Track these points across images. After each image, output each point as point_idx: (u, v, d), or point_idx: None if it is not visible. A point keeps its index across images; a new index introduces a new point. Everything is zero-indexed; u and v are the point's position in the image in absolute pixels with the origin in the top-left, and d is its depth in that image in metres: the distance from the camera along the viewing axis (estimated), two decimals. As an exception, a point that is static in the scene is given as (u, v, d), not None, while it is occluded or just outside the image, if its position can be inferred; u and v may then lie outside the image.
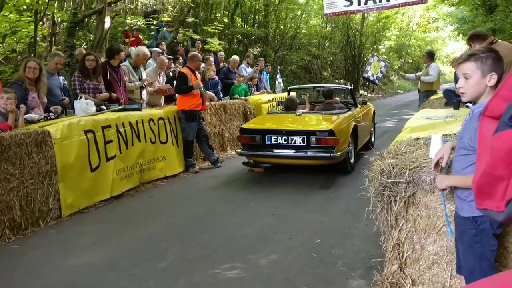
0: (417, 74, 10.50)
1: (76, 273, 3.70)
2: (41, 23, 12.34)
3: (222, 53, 12.64)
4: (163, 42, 12.02)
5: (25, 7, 10.97)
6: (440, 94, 8.15)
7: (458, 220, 2.26)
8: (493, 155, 1.04)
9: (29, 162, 4.67)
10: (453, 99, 5.49)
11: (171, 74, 8.86)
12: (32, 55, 10.46)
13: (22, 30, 11.00)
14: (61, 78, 6.70)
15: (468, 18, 24.40)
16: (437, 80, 9.71)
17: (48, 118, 5.54)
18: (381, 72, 12.36)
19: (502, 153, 1.01)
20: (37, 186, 4.77)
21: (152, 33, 14.14)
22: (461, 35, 27.62)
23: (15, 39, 11.84)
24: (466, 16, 24.72)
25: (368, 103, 9.15)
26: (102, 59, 7.74)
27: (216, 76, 9.88)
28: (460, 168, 2.19)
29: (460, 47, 44.94)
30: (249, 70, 12.11)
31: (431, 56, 10.06)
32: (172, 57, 9.93)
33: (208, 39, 14.24)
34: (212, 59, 10.59)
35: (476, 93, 2.17)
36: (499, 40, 5.07)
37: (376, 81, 12.67)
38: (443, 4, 25.42)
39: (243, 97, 10.18)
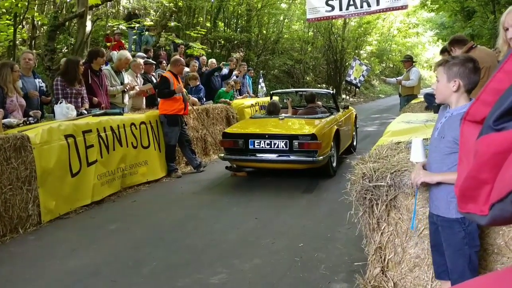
0: (398, 78, 10.62)
1: (56, 280, 3.64)
2: (20, 26, 12.16)
3: (205, 57, 12.64)
4: (147, 47, 12.00)
5: (4, 10, 10.82)
6: (420, 98, 8.26)
7: (444, 224, 2.29)
8: (478, 159, 1.05)
9: (8, 167, 4.58)
10: (433, 103, 5.56)
11: (153, 78, 8.79)
12: (11, 59, 10.29)
13: (1, 33, 10.83)
14: (37, 80, 6.57)
15: (447, 24, 24.88)
16: (418, 85, 9.84)
17: (28, 122, 5.45)
18: (363, 75, 12.49)
19: (487, 156, 1.02)
20: (16, 191, 4.68)
21: (135, 37, 14.06)
22: (440, 40, 28.07)
23: (-7, 42, 11.66)
24: (445, 21, 25.21)
25: (350, 107, 9.22)
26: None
27: (199, 82, 9.87)
28: (447, 168, 2.24)
29: (439, 52, 45.63)
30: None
31: (410, 60, 10.21)
32: (154, 62, 9.85)
33: (191, 44, 14.22)
34: (196, 63, 10.59)
35: (442, 96, 2.35)
36: (478, 46, 5.15)
37: (358, 84, 12.80)
38: (423, 10, 25.80)
39: (227, 100, 10.19)
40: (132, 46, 14.07)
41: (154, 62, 9.41)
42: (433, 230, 2.40)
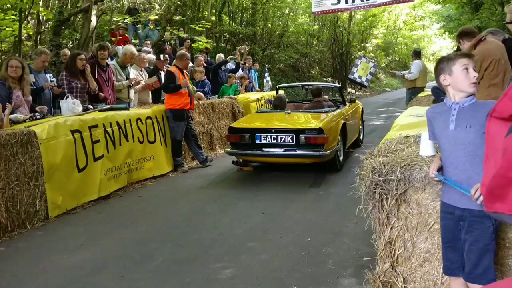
0: (402, 72, 10.64)
1: (64, 275, 3.64)
2: (26, 21, 12.17)
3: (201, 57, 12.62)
4: (148, 42, 11.97)
5: (9, 5, 10.82)
6: (427, 91, 8.20)
7: (474, 219, 2.23)
8: (508, 156, 1.01)
9: (15, 163, 4.59)
10: (441, 97, 5.51)
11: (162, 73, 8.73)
12: (17, 54, 10.31)
13: (7, 29, 10.86)
14: (48, 75, 6.64)
15: (454, 16, 24.63)
16: (422, 78, 9.81)
17: (34, 118, 5.46)
18: (370, 73, 12.37)
19: None
20: (23, 187, 4.69)
21: (140, 31, 14.05)
22: (447, 33, 27.87)
23: (-1, 38, 11.69)
24: (452, 14, 24.95)
25: (356, 101, 9.17)
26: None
27: (205, 76, 9.85)
28: (479, 159, 2.19)
29: (446, 45, 45.38)
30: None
31: (416, 54, 10.20)
32: (167, 57, 9.73)
33: (196, 38, 14.18)
34: (201, 58, 10.57)
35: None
36: (488, 38, 5.07)
37: (365, 83, 12.68)
38: (429, 2, 25.60)
39: (232, 96, 10.17)
40: (133, 40, 14.03)
41: (168, 59, 9.26)
42: (452, 226, 2.34)
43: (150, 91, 8.23)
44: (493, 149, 1.14)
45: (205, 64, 11.22)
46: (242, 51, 12.40)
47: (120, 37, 12.42)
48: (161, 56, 8.75)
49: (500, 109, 1.13)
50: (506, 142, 1.01)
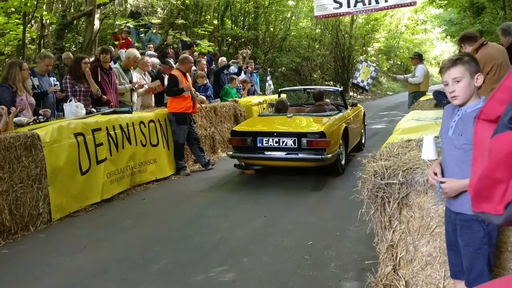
0: (405, 76, 10.63)
1: (66, 277, 3.66)
2: (29, 25, 12.22)
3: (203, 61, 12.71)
4: (151, 45, 12.01)
5: (13, 9, 10.88)
6: (429, 95, 8.21)
7: (463, 223, 2.24)
8: (492, 158, 1.04)
9: (19, 165, 4.61)
10: (442, 101, 5.52)
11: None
12: (20, 57, 10.35)
13: (11, 32, 10.88)
14: (51, 79, 6.68)
15: (455, 20, 24.67)
16: (425, 82, 9.81)
17: (38, 121, 5.48)
18: (371, 77, 12.37)
19: (502, 155, 1.01)
20: (26, 190, 4.71)
21: (142, 35, 14.11)
22: (448, 37, 27.90)
23: (3, 41, 11.72)
24: (454, 18, 24.99)
25: (358, 104, 9.19)
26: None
27: (207, 80, 9.89)
28: (467, 165, 2.19)
29: (448, 49, 45.44)
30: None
31: (418, 57, 10.19)
32: (173, 64, 9.76)
33: (198, 41, 14.23)
34: (204, 62, 10.61)
35: (468, 95, 2.27)
36: (489, 42, 5.10)
37: (367, 87, 12.69)
38: (431, 6, 25.61)
39: (234, 99, 10.20)
40: (136, 44, 14.10)
41: (173, 65, 9.27)
42: (451, 230, 2.36)
43: (153, 95, 8.27)
44: (481, 151, 1.15)
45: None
46: (244, 55, 12.44)
47: (123, 41, 12.47)
48: (170, 61, 8.79)
49: (487, 111, 1.15)
50: (491, 143, 1.03)
